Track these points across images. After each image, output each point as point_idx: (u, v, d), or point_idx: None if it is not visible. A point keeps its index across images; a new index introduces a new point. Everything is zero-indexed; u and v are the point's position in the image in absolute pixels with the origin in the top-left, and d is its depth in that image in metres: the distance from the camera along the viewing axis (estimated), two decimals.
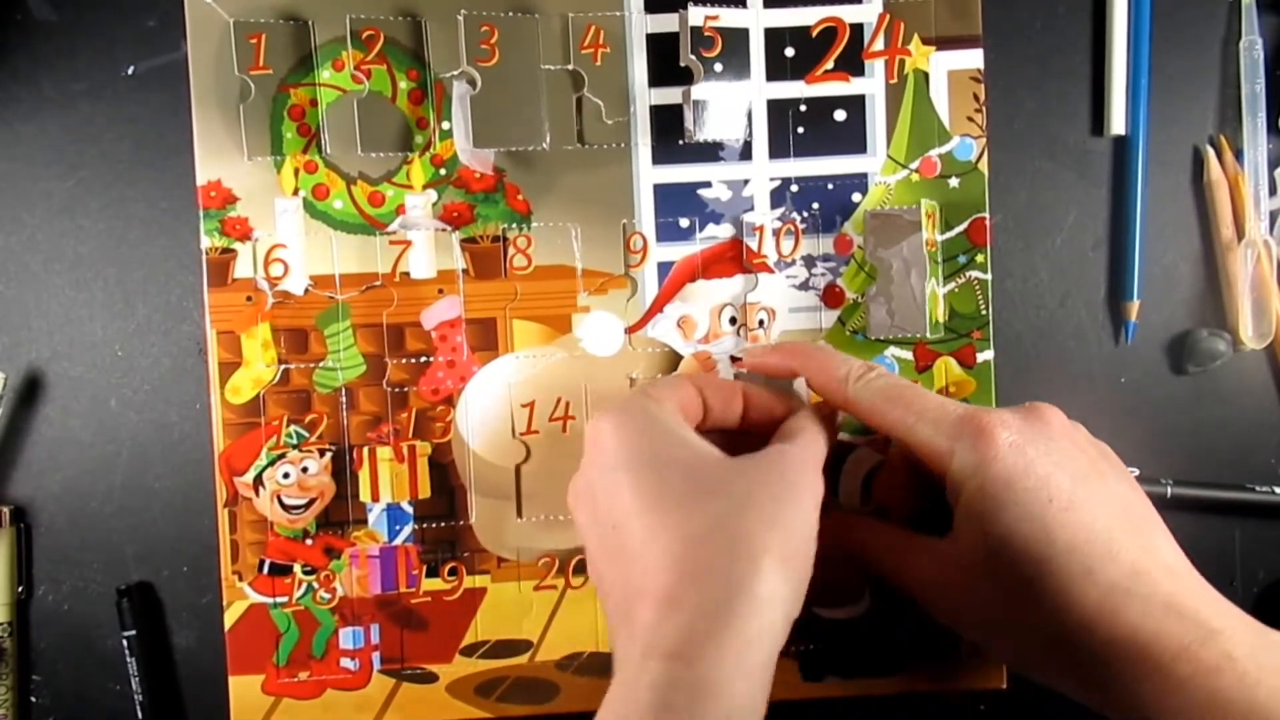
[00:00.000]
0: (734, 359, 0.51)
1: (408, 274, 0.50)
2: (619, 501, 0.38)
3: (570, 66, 0.50)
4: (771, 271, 0.51)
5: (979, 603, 0.41)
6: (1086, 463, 0.41)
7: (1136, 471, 0.51)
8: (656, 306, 0.51)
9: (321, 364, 0.50)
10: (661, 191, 0.51)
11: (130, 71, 0.50)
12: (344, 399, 0.50)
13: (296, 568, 0.51)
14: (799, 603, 0.38)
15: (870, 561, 0.45)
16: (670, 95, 0.51)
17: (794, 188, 0.51)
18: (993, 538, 0.39)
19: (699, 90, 0.50)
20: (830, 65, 0.51)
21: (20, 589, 0.50)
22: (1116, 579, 0.38)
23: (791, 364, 0.46)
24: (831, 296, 0.51)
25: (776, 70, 0.51)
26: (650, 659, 0.34)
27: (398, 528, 0.51)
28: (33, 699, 0.51)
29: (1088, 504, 0.39)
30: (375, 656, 0.51)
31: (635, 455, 0.39)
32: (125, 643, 0.50)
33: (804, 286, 0.51)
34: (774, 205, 0.51)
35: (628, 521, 0.38)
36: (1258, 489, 0.52)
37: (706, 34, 0.50)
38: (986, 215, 0.51)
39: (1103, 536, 0.39)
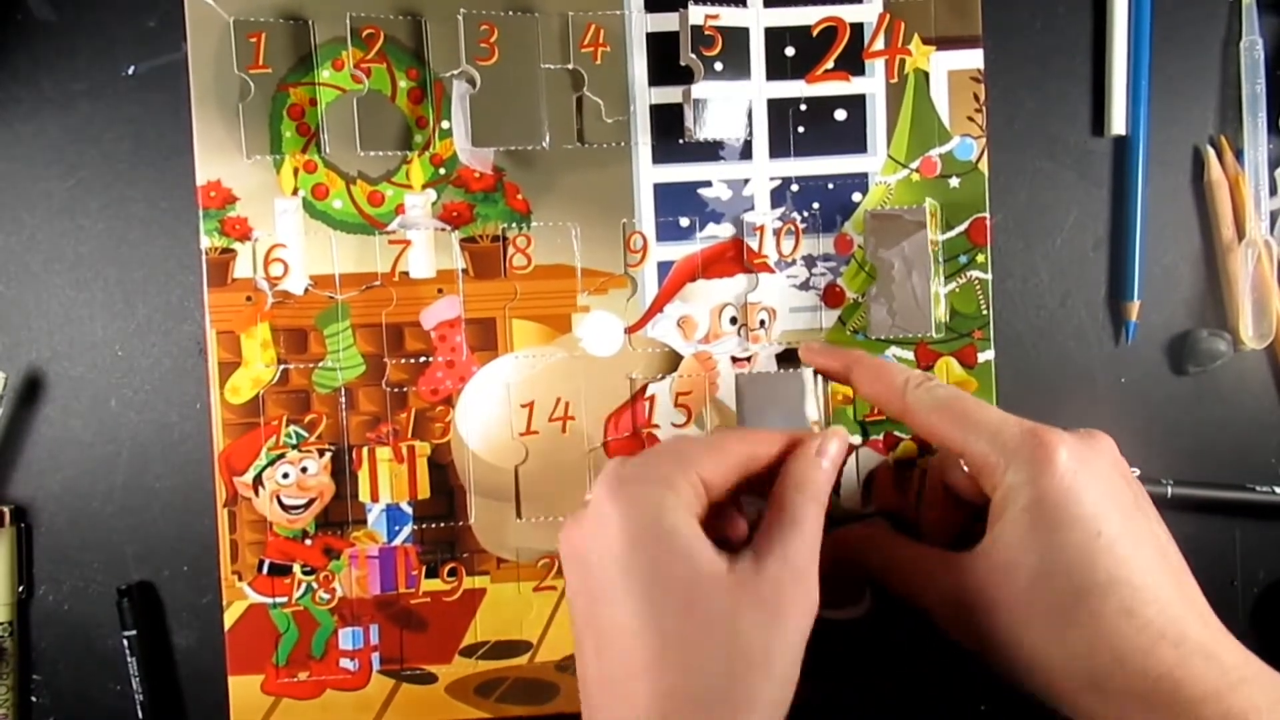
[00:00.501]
0: (734, 359, 0.50)
1: (407, 273, 0.50)
2: (615, 595, 0.37)
3: (570, 65, 0.49)
4: (772, 271, 0.50)
5: (1003, 624, 0.39)
6: (1132, 500, 0.40)
7: (1137, 472, 0.50)
8: (656, 306, 0.50)
9: (321, 364, 0.50)
10: (661, 191, 0.50)
11: (130, 71, 0.50)
12: (343, 399, 0.50)
13: (296, 568, 0.50)
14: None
15: (889, 579, 0.44)
16: (670, 94, 0.50)
17: (794, 187, 0.50)
18: (1033, 559, 0.38)
19: (699, 89, 0.49)
20: (830, 65, 0.50)
21: (21, 589, 0.50)
22: (1154, 620, 0.37)
23: (848, 369, 0.46)
24: (832, 296, 0.50)
25: (777, 69, 0.50)
26: None
27: (397, 528, 0.50)
28: (33, 699, 0.51)
29: (1132, 542, 0.38)
30: (375, 657, 0.50)
31: (637, 558, 0.37)
32: (125, 642, 0.49)
33: (804, 286, 0.50)
34: (774, 205, 0.50)
35: (620, 618, 0.37)
36: (1258, 489, 0.51)
37: (707, 33, 0.49)
38: (987, 215, 0.50)
39: (1143, 577, 0.38)
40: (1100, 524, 0.38)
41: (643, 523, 0.38)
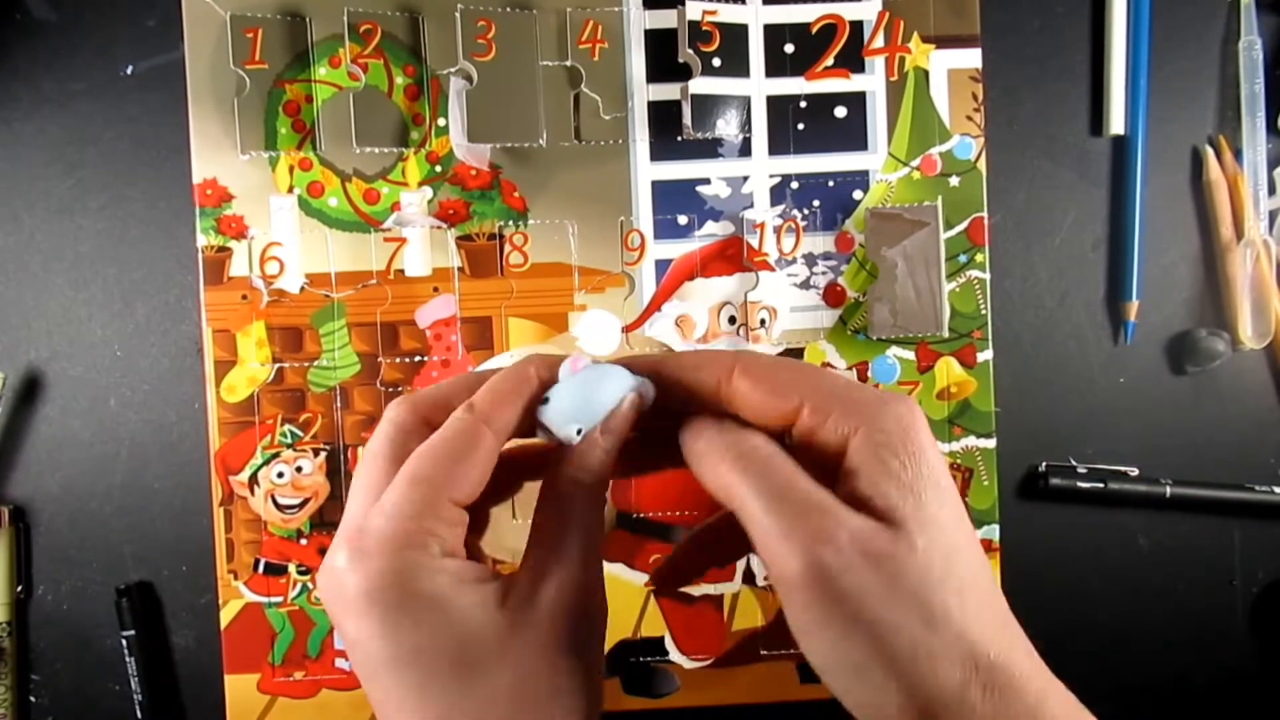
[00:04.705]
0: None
1: (402, 271, 0.44)
2: (379, 674, 0.28)
3: (568, 62, 0.44)
4: (772, 269, 0.44)
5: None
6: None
7: (1135, 471, 0.46)
8: (654, 305, 0.45)
9: (316, 363, 0.44)
10: (660, 188, 0.45)
11: (129, 71, 0.46)
12: (338, 398, 0.44)
13: (291, 567, 0.45)
14: None
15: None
16: (669, 91, 0.45)
17: (794, 185, 0.45)
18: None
19: (697, 85, 0.43)
20: (830, 62, 0.45)
21: (20, 589, 0.45)
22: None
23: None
24: (833, 295, 0.45)
25: (776, 66, 0.45)
26: None
27: None
28: (32, 698, 0.46)
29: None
30: None
31: (398, 644, 0.27)
32: (124, 642, 0.45)
33: (805, 285, 0.45)
34: (774, 202, 0.45)
35: (393, 696, 0.28)
36: (1257, 488, 0.47)
37: (705, 29, 0.43)
38: (985, 214, 0.44)
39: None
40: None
41: (394, 601, 0.27)
